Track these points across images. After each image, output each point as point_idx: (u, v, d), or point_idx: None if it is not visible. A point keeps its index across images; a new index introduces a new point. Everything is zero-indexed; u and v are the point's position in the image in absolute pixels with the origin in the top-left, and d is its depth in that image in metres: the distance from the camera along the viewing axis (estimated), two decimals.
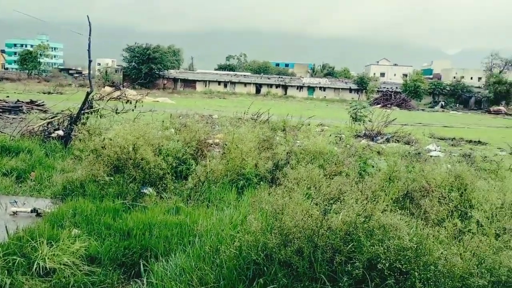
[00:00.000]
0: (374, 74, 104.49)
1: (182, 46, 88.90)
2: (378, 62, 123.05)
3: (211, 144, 11.22)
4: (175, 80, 78.25)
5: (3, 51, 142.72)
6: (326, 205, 4.18)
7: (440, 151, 14.72)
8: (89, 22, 10.28)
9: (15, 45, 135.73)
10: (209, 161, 8.28)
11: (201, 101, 47.14)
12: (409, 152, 10.42)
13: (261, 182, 7.48)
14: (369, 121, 19.67)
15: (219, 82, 79.12)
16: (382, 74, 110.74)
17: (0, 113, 18.52)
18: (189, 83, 78.33)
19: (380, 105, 52.89)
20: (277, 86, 79.68)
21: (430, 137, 19.58)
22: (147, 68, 70.96)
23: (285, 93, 77.89)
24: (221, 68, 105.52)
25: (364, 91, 76.24)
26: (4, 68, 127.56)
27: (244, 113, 17.99)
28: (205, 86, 77.40)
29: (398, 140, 16.69)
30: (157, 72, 73.87)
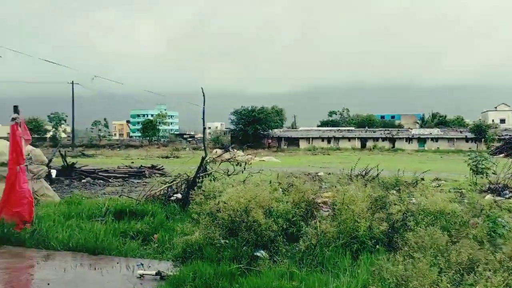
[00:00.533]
0: (493, 121, 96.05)
1: (284, 105, 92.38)
2: (496, 107, 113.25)
3: (319, 203, 11.05)
4: (279, 138, 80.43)
5: (128, 122, 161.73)
6: (458, 276, 3.76)
7: None
8: (203, 94, 11.22)
9: (138, 115, 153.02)
10: (319, 222, 8.12)
11: (305, 158, 47.42)
12: None
13: (377, 246, 7.06)
14: (493, 173, 17.80)
15: (323, 138, 79.29)
16: (502, 121, 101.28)
17: (126, 178, 20.60)
18: (293, 141, 79.82)
19: (503, 155, 47.90)
20: (384, 139, 77.18)
21: None
22: (252, 129, 74.35)
23: (393, 146, 74.90)
24: (323, 124, 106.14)
25: (482, 140, 70.04)
26: (129, 137, 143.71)
27: (351, 169, 17.56)
28: (309, 143, 78.05)
29: None
30: (262, 132, 76.90)
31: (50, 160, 16.45)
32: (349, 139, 78.47)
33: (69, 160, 22.44)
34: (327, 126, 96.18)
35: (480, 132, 70.72)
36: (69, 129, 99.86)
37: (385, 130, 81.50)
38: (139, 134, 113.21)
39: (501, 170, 17.05)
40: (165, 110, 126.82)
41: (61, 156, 21.45)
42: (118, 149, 72.32)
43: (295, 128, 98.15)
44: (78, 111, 79.04)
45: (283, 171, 19.70)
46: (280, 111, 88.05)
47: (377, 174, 16.70)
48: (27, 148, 9.28)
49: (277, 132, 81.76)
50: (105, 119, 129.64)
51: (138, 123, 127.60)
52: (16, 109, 8.09)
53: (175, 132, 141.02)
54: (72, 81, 74.36)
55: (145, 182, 18.63)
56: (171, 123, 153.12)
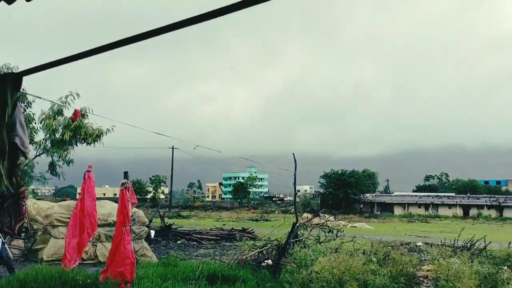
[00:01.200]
0: None
1: (376, 168, 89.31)
2: None
3: (420, 277, 10.20)
4: (371, 204, 77.16)
5: (220, 184, 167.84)
6: None
7: None
8: (295, 159, 11.40)
9: (230, 178, 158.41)
10: None
11: (401, 226, 44.59)
12: None
13: None
14: None
15: (419, 205, 74.38)
16: None
17: (218, 241, 21.04)
18: (386, 207, 75.93)
19: None
20: (490, 206, 70.14)
21: None
22: (343, 193, 72.49)
23: (501, 215, 67.58)
24: (420, 189, 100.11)
25: None
26: (221, 198, 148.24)
27: (454, 240, 16.08)
28: (404, 210, 73.64)
29: None
30: (353, 197, 74.55)
31: (150, 221, 17.52)
32: (450, 206, 72.59)
33: (166, 220, 23.67)
34: (424, 191, 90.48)
35: None
36: (167, 190, 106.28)
37: (491, 197, 74.19)
38: (231, 196, 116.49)
39: None
40: (255, 173, 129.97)
41: (160, 217, 22.73)
42: (211, 211, 74.72)
43: (389, 193, 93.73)
44: (176, 173, 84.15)
45: (377, 239, 18.70)
46: (372, 174, 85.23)
47: (485, 247, 15.10)
48: (131, 210, 10.04)
49: (369, 196, 78.67)
50: (199, 181, 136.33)
51: (230, 185, 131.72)
52: (126, 175, 8.90)
53: (265, 195, 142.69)
54: (173, 146, 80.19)
55: (236, 245, 18.85)
56: (261, 186, 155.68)
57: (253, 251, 11.95)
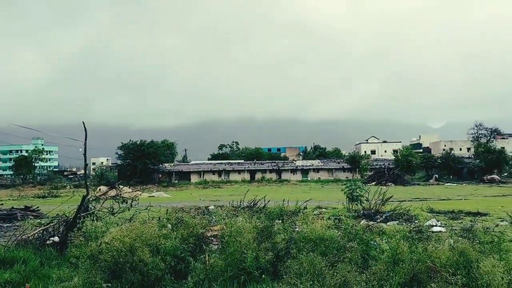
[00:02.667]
0: (365, 152, 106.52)
1: (175, 139, 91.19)
2: (367, 140, 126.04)
3: (209, 237, 11.05)
4: (170, 173, 78.87)
5: None
6: None
7: (441, 226, 14.57)
8: (85, 128, 10.66)
9: (10, 151, 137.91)
10: (208, 256, 8.11)
11: (196, 192, 47.10)
12: (410, 231, 10.30)
13: (263, 275, 7.28)
14: (366, 200, 19.64)
15: (214, 172, 79.81)
16: (373, 152, 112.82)
17: None
18: (184, 175, 78.88)
19: (374, 183, 53.15)
20: (271, 171, 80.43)
21: (429, 212, 19.47)
22: (141, 164, 71.79)
23: (280, 178, 78.36)
24: (214, 157, 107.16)
25: (357, 169, 77.02)
26: None
27: (240, 201, 17.95)
28: (200, 177, 77.88)
29: (398, 218, 16.55)
30: (152, 167, 74.64)
31: None
32: (239, 171, 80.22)
33: None
34: (218, 159, 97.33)
35: (354, 163, 77.79)
36: None
37: (272, 162, 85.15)
38: (11, 172, 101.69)
39: (372, 197, 18.90)
40: (42, 145, 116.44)
41: None
42: None
43: (187, 162, 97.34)
44: None
45: (173, 206, 19.31)
46: (171, 144, 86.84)
47: (264, 205, 17.34)
48: None
49: (167, 166, 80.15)
50: None
51: (10, 159, 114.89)
52: None
53: (54, 169, 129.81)
54: None
55: (17, 226, 16.72)
56: (50, 159, 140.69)
57: (36, 229, 10.84)
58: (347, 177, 73.45)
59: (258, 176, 78.98)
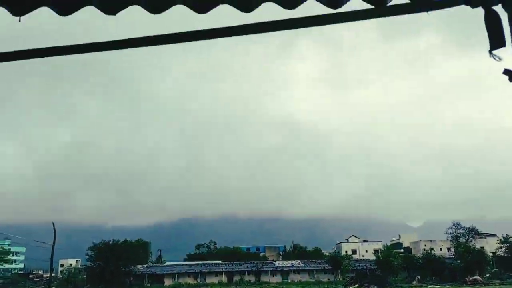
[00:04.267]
0: (346, 252, 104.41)
1: (151, 239, 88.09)
2: (347, 239, 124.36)
3: None
4: (142, 276, 74.74)
5: None
6: None
7: None
8: (54, 230, 10.27)
9: None
10: None
11: None
12: None
13: None
14: None
15: (189, 274, 76.10)
16: (354, 251, 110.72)
17: None
18: (157, 278, 74.79)
19: (357, 285, 51.37)
20: (250, 272, 77.22)
21: None
22: (112, 267, 68.09)
23: (259, 280, 75.05)
24: (191, 258, 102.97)
25: (339, 270, 74.76)
26: None
27: None
28: (174, 280, 73.93)
29: None
30: (123, 269, 70.81)
31: None
32: (216, 273, 76.63)
33: None
34: (195, 260, 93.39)
35: (336, 263, 75.66)
36: None
37: (251, 263, 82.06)
38: None
39: None
40: (8, 245, 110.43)
41: None
42: None
43: (161, 263, 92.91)
44: None
45: None
46: (146, 244, 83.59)
47: None
48: None
49: (140, 268, 76.08)
50: None
51: None
52: None
53: (19, 272, 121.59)
54: None
55: None
56: (16, 261, 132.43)
57: None
58: (328, 279, 70.92)
59: (236, 278, 75.54)
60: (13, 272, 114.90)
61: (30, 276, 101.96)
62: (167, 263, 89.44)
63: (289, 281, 74.29)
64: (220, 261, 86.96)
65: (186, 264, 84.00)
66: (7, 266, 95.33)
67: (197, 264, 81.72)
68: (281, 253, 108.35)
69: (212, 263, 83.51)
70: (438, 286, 52.87)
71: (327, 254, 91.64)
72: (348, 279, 61.78)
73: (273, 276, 76.64)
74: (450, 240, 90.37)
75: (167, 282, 73.00)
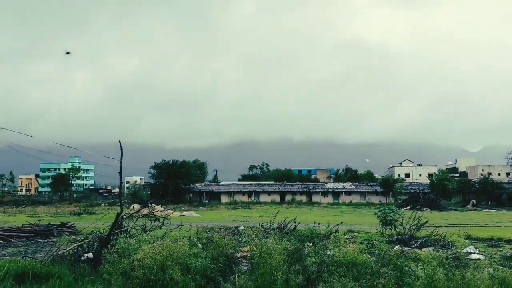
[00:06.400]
0: (399, 175, 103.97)
1: (206, 159, 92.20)
2: (401, 163, 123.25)
3: (239, 257, 11.00)
4: (200, 193, 79.51)
5: (37, 176, 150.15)
6: None
7: (479, 253, 13.95)
8: (121, 147, 10.97)
9: (48, 169, 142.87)
10: (238, 277, 8.06)
11: (226, 213, 47.14)
12: (447, 257, 9.92)
13: None
14: (400, 224, 19.08)
15: (243, 193, 79.83)
16: (407, 175, 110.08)
17: (31, 238, 18.88)
18: (214, 195, 79.31)
19: (409, 207, 51.65)
20: (301, 193, 79.67)
21: (467, 239, 18.70)
22: (173, 184, 72.77)
23: (310, 200, 77.46)
24: (244, 178, 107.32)
25: (390, 193, 75.20)
26: (38, 192, 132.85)
27: (270, 223, 17.79)
28: (230, 197, 78.04)
29: (433, 244, 15.99)
30: (183, 187, 75.52)
31: None
32: (269, 193, 79.89)
33: None
34: (248, 180, 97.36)
35: (387, 186, 75.98)
36: None
37: (302, 184, 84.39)
38: (49, 189, 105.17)
39: (407, 222, 18.34)
40: (79, 163, 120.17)
41: None
42: (24, 206, 66.29)
43: (217, 183, 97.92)
44: None
45: (203, 226, 19.38)
46: (202, 164, 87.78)
47: (295, 227, 17.13)
48: None
49: (198, 186, 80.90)
50: (11, 173, 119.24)
51: (49, 177, 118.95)
52: None
53: (90, 187, 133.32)
54: None
55: (53, 242, 17.20)
56: (86, 178, 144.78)
57: (72, 245, 11.12)
58: (379, 201, 71.79)
59: (288, 197, 78.41)
60: (84, 187, 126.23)
61: (100, 191, 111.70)
62: (222, 182, 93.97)
63: (340, 202, 76.07)
64: (273, 182, 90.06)
65: (241, 184, 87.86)
66: (79, 182, 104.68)
67: (251, 184, 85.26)
68: (332, 176, 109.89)
69: (265, 183, 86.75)
70: (494, 211, 52.01)
71: (379, 177, 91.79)
72: (400, 201, 62.19)
73: (324, 196, 78.69)
74: (510, 165, 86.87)
75: (223, 199, 77.27)
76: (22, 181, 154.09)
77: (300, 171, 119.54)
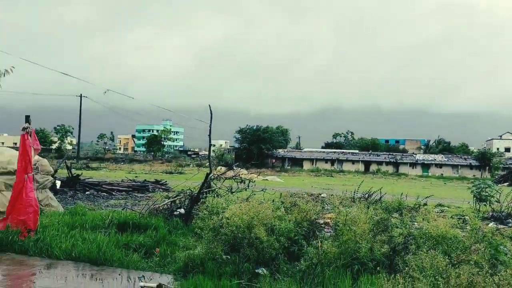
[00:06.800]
0: (498, 149, 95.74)
1: (290, 126, 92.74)
2: (501, 136, 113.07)
3: (322, 224, 11.06)
4: (283, 159, 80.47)
5: (133, 136, 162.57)
6: None
7: None
8: (211, 111, 11.39)
9: (143, 130, 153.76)
10: (321, 242, 8.13)
11: (308, 179, 47.33)
12: None
13: (378, 268, 7.07)
14: (497, 201, 17.74)
15: (326, 160, 79.24)
16: (507, 149, 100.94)
17: (130, 192, 20.68)
18: (297, 162, 79.79)
19: (507, 183, 47.60)
20: (388, 163, 77.01)
21: None
22: (257, 148, 74.45)
23: (397, 171, 74.67)
24: (327, 146, 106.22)
25: (487, 167, 69.73)
26: (134, 151, 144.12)
27: (354, 192, 17.55)
28: (312, 165, 78.00)
29: None
30: (266, 152, 76.98)
31: (55, 171, 16.60)
32: (353, 162, 78.37)
33: (74, 171, 22.59)
34: (331, 148, 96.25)
35: (484, 160, 70.44)
36: (75, 141, 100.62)
37: (389, 154, 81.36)
38: (144, 149, 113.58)
39: (504, 199, 16.99)
40: (170, 126, 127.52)
41: (66, 168, 21.61)
42: (123, 163, 72.55)
43: (299, 149, 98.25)
44: (85, 124, 79.78)
45: (286, 191, 19.70)
46: (285, 131, 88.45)
47: (380, 198, 16.71)
48: (34, 158, 9.42)
49: (281, 152, 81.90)
50: (111, 133, 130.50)
51: (143, 138, 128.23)
52: (27, 119, 8.27)
53: (180, 149, 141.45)
54: (81, 94, 75.27)
55: (148, 197, 18.71)
56: (176, 139, 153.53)
57: (165, 200, 11.98)
58: (474, 176, 67.03)
59: (373, 167, 76.33)
60: (174, 148, 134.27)
61: (188, 152, 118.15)
62: (305, 149, 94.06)
63: (430, 174, 72.35)
64: (357, 150, 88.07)
65: (324, 151, 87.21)
66: (170, 143, 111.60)
67: (334, 152, 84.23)
68: (422, 147, 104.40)
69: (349, 152, 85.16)
70: None
71: (475, 150, 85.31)
72: (497, 177, 57.52)
73: (413, 168, 75.31)
74: None
75: (306, 166, 77.53)
76: (120, 141, 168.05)
77: (387, 141, 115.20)
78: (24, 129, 8.14)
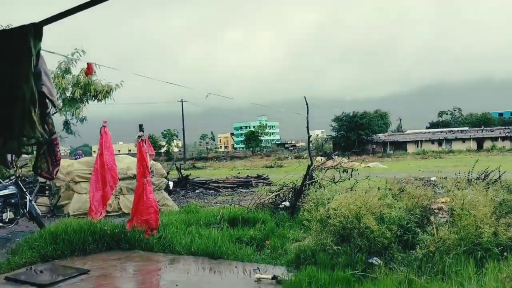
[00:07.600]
0: None
1: (388, 109, 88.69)
2: None
3: (435, 209, 10.44)
4: (384, 143, 77.32)
5: (232, 134, 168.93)
6: None
7: None
8: (306, 103, 11.38)
9: (241, 127, 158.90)
10: (437, 229, 7.68)
11: (414, 163, 44.89)
12: None
13: (505, 253, 6.48)
14: None
15: (433, 141, 74.32)
16: None
17: (235, 188, 21.56)
18: (399, 145, 76.09)
19: None
20: (504, 138, 69.84)
21: None
22: (355, 135, 72.57)
23: None
24: (433, 126, 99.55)
25: None
26: (234, 148, 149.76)
27: (469, 172, 16.18)
28: (417, 147, 73.76)
29: None
30: (365, 138, 74.67)
31: (167, 173, 17.94)
32: (463, 140, 72.37)
33: (183, 172, 24.18)
34: (437, 128, 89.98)
35: None
36: (180, 143, 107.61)
37: (505, 128, 73.57)
38: (243, 146, 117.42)
39: None
40: (265, 121, 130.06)
41: (177, 169, 23.23)
42: (225, 161, 75.85)
43: (401, 132, 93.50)
44: (188, 126, 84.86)
45: (391, 177, 18.90)
46: (384, 114, 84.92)
47: (499, 177, 15.22)
48: (150, 163, 10.28)
49: (381, 136, 78.73)
50: (212, 133, 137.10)
51: (241, 135, 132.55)
52: (141, 128, 9.05)
53: (277, 142, 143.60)
54: (182, 99, 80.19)
55: (253, 191, 19.32)
56: (272, 134, 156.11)
57: (270, 194, 12.26)
58: None
59: (487, 144, 69.79)
60: (271, 142, 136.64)
61: (286, 145, 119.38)
62: (407, 131, 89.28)
63: None
64: (467, 128, 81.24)
65: (429, 132, 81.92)
66: (266, 137, 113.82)
67: (441, 131, 78.67)
68: None
69: (458, 130, 78.91)
70: None
71: None
72: None
73: None
74: None
75: (410, 149, 73.61)
76: (220, 139, 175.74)
77: (501, 114, 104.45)
78: (139, 137, 8.92)
